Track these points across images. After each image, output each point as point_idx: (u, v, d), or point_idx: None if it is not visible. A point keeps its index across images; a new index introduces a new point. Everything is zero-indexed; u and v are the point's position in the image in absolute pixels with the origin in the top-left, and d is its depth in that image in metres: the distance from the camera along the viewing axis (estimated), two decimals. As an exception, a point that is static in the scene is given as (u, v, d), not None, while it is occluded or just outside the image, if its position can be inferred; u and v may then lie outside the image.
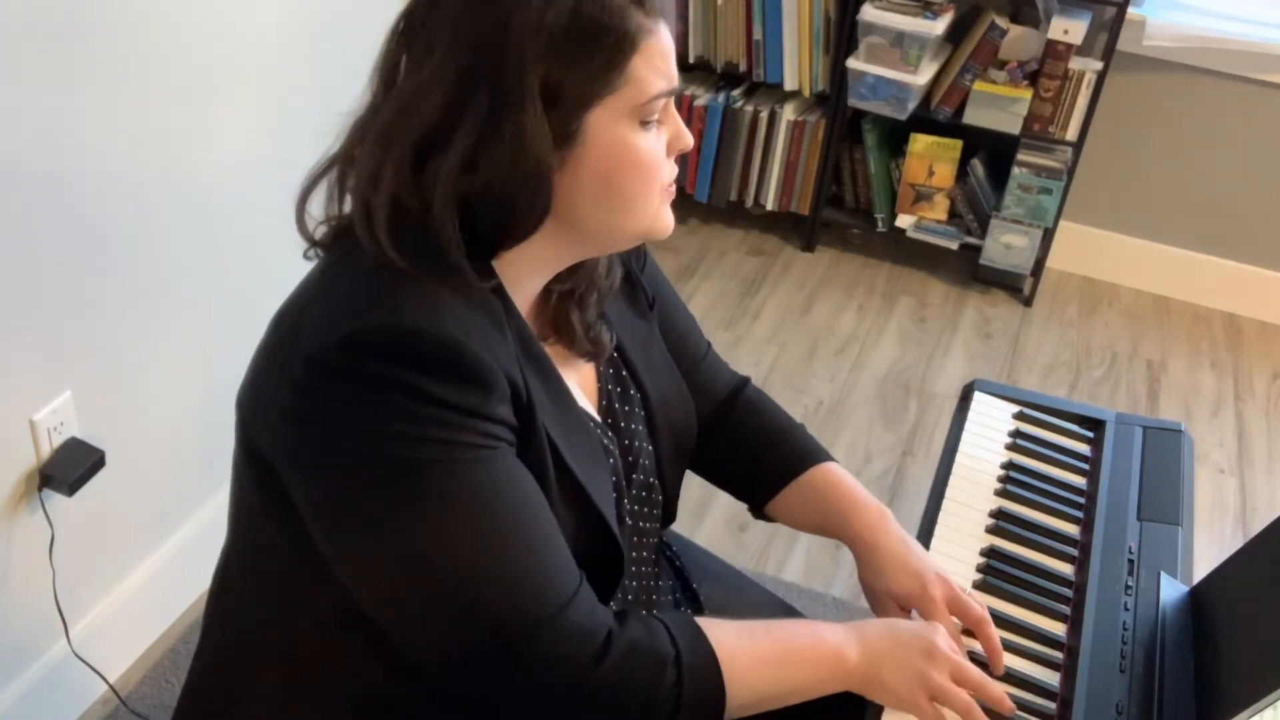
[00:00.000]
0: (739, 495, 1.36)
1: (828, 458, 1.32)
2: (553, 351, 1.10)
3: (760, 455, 1.32)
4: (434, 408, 0.93)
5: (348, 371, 0.93)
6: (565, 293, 1.12)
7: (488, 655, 0.95)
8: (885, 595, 1.21)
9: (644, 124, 1.00)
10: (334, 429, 0.94)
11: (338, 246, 1.04)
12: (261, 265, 1.97)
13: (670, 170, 1.06)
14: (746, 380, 1.37)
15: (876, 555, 1.22)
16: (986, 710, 1.06)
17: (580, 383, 1.15)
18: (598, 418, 1.15)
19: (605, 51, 0.96)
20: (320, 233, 1.07)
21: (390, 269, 0.96)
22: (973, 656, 1.15)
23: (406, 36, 0.99)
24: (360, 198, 0.99)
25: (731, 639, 1.03)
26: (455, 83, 0.95)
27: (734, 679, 1.01)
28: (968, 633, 1.19)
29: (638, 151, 1.00)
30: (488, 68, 0.94)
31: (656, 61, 0.99)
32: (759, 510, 1.35)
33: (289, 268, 2.02)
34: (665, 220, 1.07)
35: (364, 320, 0.94)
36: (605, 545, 1.08)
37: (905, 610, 1.19)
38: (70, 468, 1.64)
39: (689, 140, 1.06)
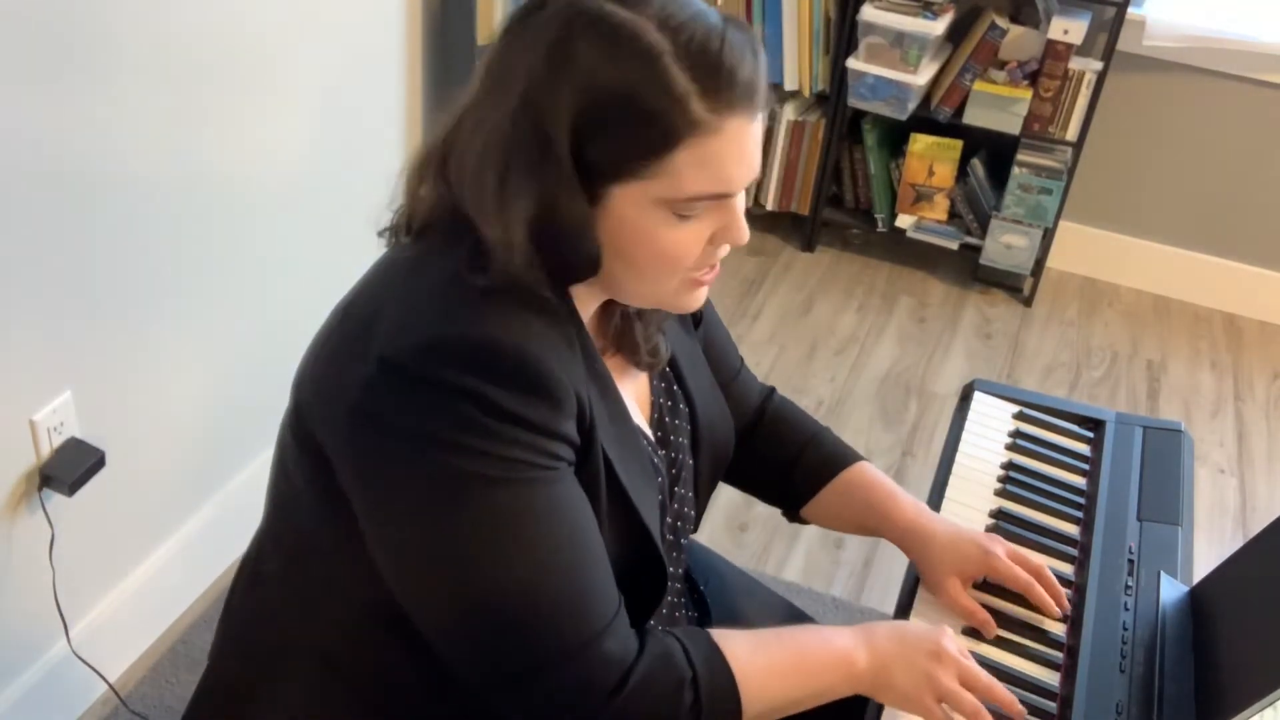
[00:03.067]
0: (773, 501, 1.38)
1: (859, 458, 1.33)
2: (612, 363, 1.09)
3: (794, 461, 1.33)
4: (504, 423, 0.92)
5: (423, 377, 0.92)
6: (631, 310, 1.12)
7: (518, 674, 0.96)
8: (950, 574, 1.22)
9: (678, 215, 0.95)
10: (401, 432, 0.93)
11: (421, 242, 1.03)
12: (262, 265, 1.97)
13: (706, 257, 1.00)
14: (772, 389, 1.38)
15: (933, 540, 1.23)
16: (997, 714, 1.06)
17: (635, 395, 1.15)
18: (649, 433, 1.15)
19: (642, 139, 0.91)
20: (398, 217, 1.05)
21: (470, 277, 0.95)
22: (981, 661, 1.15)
23: (504, 42, 0.97)
24: (432, 212, 1.00)
25: (746, 654, 1.03)
26: (512, 115, 0.93)
27: (749, 694, 1.02)
28: (971, 632, 1.20)
29: (657, 240, 0.96)
30: (537, 107, 0.92)
31: (709, 163, 0.93)
32: (794, 514, 1.36)
33: (290, 267, 2.03)
34: (684, 303, 1.04)
35: (444, 328, 0.93)
36: (649, 563, 1.08)
37: (967, 583, 1.22)
38: (70, 468, 1.64)
39: (740, 239, 0.99)
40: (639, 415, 1.14)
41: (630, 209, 0.95)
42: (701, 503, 1.26)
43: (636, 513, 1.05)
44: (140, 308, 1.73)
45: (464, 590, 0.95)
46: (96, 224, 1.61)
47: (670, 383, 1.20)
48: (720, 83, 0.91)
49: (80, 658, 1.78)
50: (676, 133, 0.91)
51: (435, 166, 1.01)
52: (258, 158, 1.90)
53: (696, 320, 1.27)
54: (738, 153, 0.94)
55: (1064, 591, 1.23)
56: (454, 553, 0.94)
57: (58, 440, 1.64)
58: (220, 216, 1.85)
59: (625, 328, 1.12)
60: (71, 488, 1.64)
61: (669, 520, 1.18)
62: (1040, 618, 1.22)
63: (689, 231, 0.97)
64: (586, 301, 1.06)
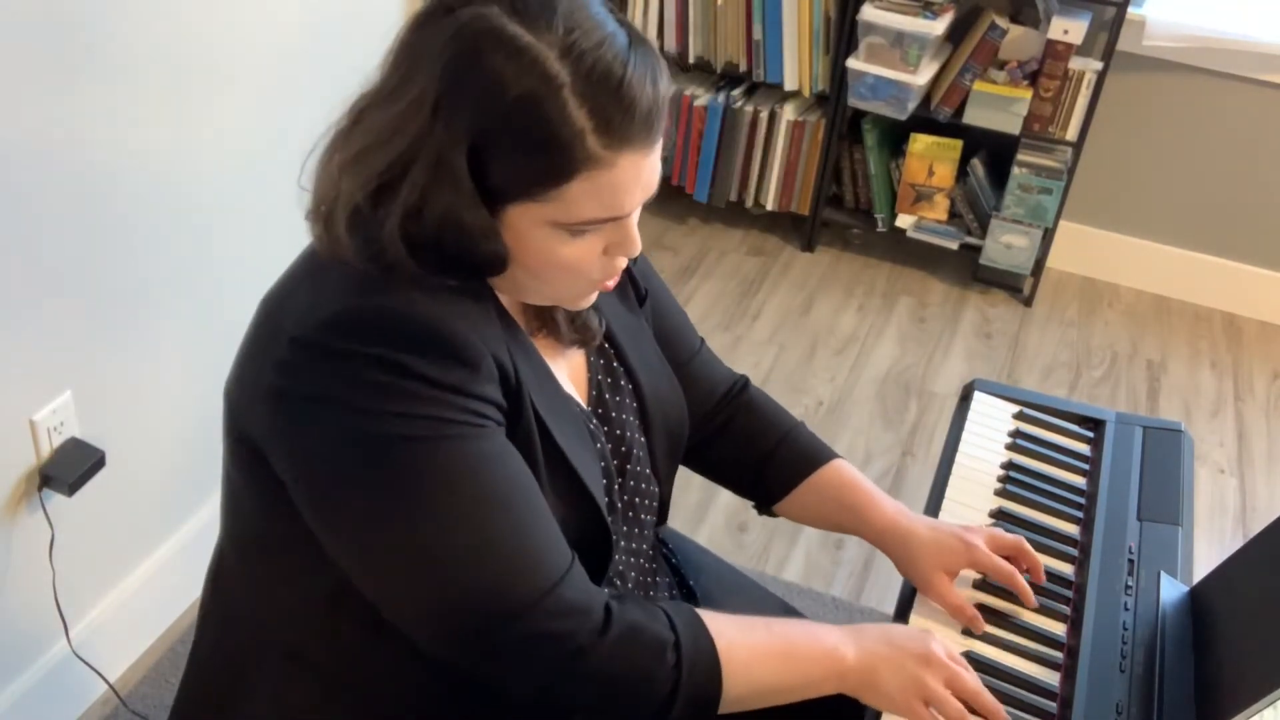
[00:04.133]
0: (745, 494, 1.37)
1: (834, 455, 1.33)
2: (542, 344, 1.10)
3: (768, 457, 1.33)
4: (420, 384, 0.93)
5: (332, 350, 0.93)
6: None
7: (481, 632, 0.96)
8: (934, 571, 1.21)
9: (573, 232, 0.97)
10: (319, 407, 0.94)
11: (321, 230, 1.03)
12: (262, 265, 1.97)
13: (603, 268, 1.02)
14: (746, 381, 1.38)
15: (913, 536, 1.23)
16: None
17: (570, 373, 1.15)
18: (586, 407, 1.15)
19: (535, 168, 0.92)
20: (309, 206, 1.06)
21: (373, 258, 0.95)
22: (973, 660, 1.15)
23: (408, 39, 0.97)
24: (328, 203, 0.99)
25: (731, 631, 1.03)
26: (410, 124, 0.93)
27: (732, 670, 1.01)
28: (969, 630, 1.20)
29: (554, 255, 0.98)
30: (434, 118, 0.92)
31: (603, 192, 0.94)
32: (766, 508, 1.35)
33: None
34: (581, 305, 1.06)
35: (349, 301, 0.95)
36: (595, 527, 1.09)
37: (953, 577, 1.22)
38: (70, 468, 1.64)
39: (632, 251, 1.01)
40: (573, 390, 1.13)
41: (524, 226, 0.96)
42: (665, 486, 1.25)
43: (575, 472, 1.05)
44: (140, 308, 1.73)
45: (408, 554, 0.95)
46: (97, 224, 1.61)
47: (610, 359, 1.19)
48: (617, 119, 0.92)
49: (80, 658, 1.78)
50: (572, 166, 0.92)
51: (337, 156, 1.01)
52: (259, 159, 1.90)
53: (641, 297, 1.26)
54: (631, 183, 0.95)
55: (1041, 561, 1.23)
56: (390, 518, 0.94)
57: (58, 440, 1.64)
58: (220, 216, 1.85)
59: (543, 309, 1.12)
60: (71, 488, 1.64)
61: (623, 495, 1.17)
62: (1041, 618, 1.21)
63: (583, 246, 0.98)
64: (501, 288, 1.06)
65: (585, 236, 0.98)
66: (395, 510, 0.94)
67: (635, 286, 1.25)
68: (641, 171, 0.96)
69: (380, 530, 0.95)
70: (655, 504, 1.24)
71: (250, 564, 1.10)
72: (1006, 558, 1.22)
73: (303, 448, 0.97)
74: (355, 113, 0.99)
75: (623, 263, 1.04)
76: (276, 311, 1.00)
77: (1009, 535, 1.23)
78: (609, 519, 1.10)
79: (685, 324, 1.33)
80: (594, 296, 1.07)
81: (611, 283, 1.05)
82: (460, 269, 0.98)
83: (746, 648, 1.03)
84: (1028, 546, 1.23)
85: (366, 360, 0.93)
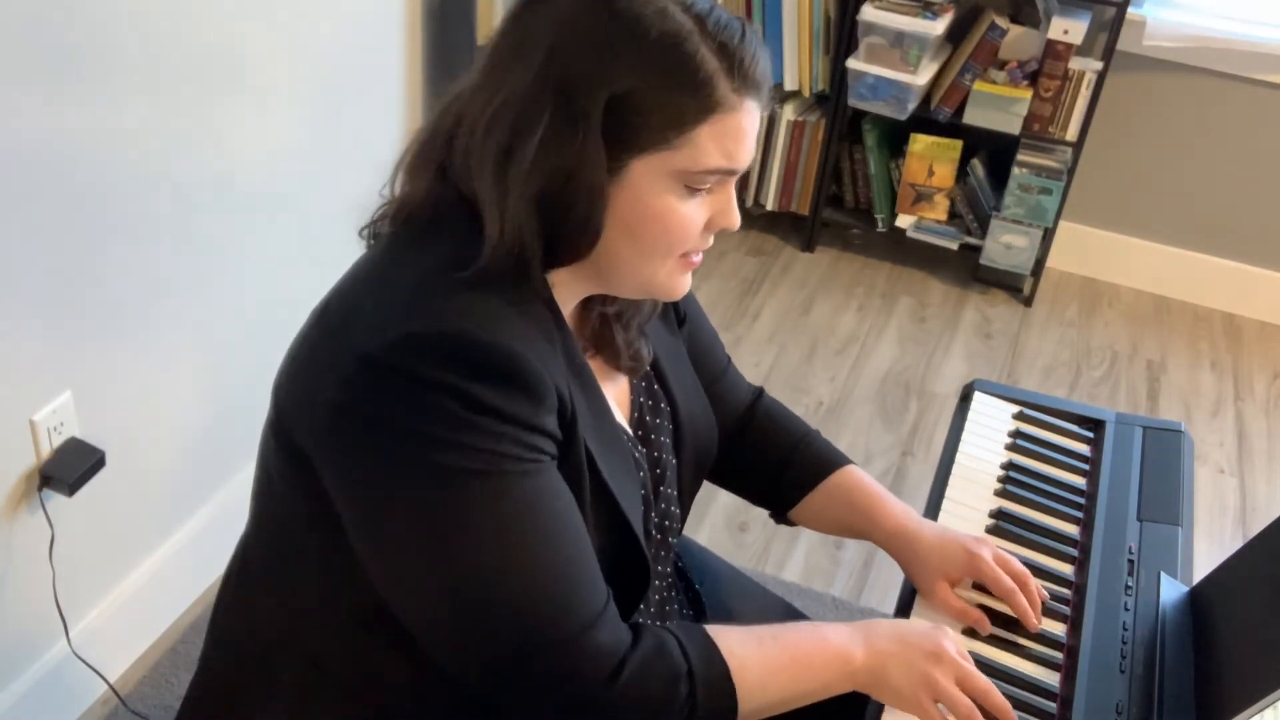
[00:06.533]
0: (761, 503, 1.37)
1: (847, 461, 1.33)
2: (593, 364, 1.10)
3: (782, 464, 1.33)
4: (484, 416, 0.92)
5: (400, 372, 0.92)
6: (610, 313, 1.12)
7: (508, 667, 0.96)
8: (937, 577, 1.22)
9: (689, 189, 0.99)
10: (381, 429, 0.93)
11: (404, 235, 1.03)
12: (262, 265, 1.97)
13: (701, 241, 1.04)
14: (761, 390, 1.38)
15: (919, 542, 1.23)
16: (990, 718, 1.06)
17: (615, 395, 1.15)
18: (630, 431, 1.15)
19: (675, 108, 0.95)
20: (384, 210, 1.05)
21: (451, 270, 0.95)
22: (980, 662, 1.15)
23: (514, 22, 0.99)
24: (455, 189, 1.00)
25: (742, 650, 1.03)
26: (534, 82, 0.95)
27: (745, 690, 1.02)
28: (970, 631, 1.20)
29: (669, 212, 0.99)
30: (565, 77, 0.94)
31: (726, 139, 0.97)
32: (781, 516, 1.36)
33: (290, 267, 2.02)
34: (675, 286, 1.06)
35: (421, 322, 0.93)
36: (633, 558, 1.09)
37: (956, 584, 1.22)
38: (70, 468, 1.64)
39: (734, 221, 1.04)
40: (619, 414, 1.14)
41: (645, 180, 0.97)
42: (686, 502, 1.25)
43: (618, 506, 1.05)
44: (140, 308, 1.73)
45: (448, 583, 0.95)
46: (97, 224, 1.61)
47: (651, 382, 1.20)
48: (744, 63, 0.96)
49: (80, 658, 1.78)
50: (708, 106, 0.95)
51: (436, 153, 1.01)
52: (257, 158, 1.90)
53: (680, 318, 1.26)
54: (750, 132, 0.99)
55: (1046, 596, 1.22)
56: (437, 545, 0.94)
57: (58, 440, 1.64)
58: (219, 216, 1.85)
59: (605, 333, 1.12)
60: (71, 488, 1.64)
61: (655, 519, 1.17)
62: (1041, 618, 1.21)
63: (693, 208, 1.00)
64: (568, 298, 1.06)
65: (698, 197, 1.00)
66: (442, 540, 0.94)
67: (675, 307, 1.25)
68: (755, 125, 1.00)
69: (424, 557, 0.95)
70: (679, 525, 1.24)
71: (280, 569, 1.09)
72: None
73: (357, 466, 0.96)
74: (462, 99, 1.00)
75: (709, 243, 1.05)
76: (342, 321, 0.98)
77: (1017, 563, 1.23)
78: (647, 549, 1.10)
79: (716, 341, 1.34)
80: (688, 281, 1.07)
81: (698, 258, 1.06)
82: (551, 248, 0.98)
83: (758, 664, 1.03)
84: (1033, 582, 1.21)
85: (435, 387, 0.92)
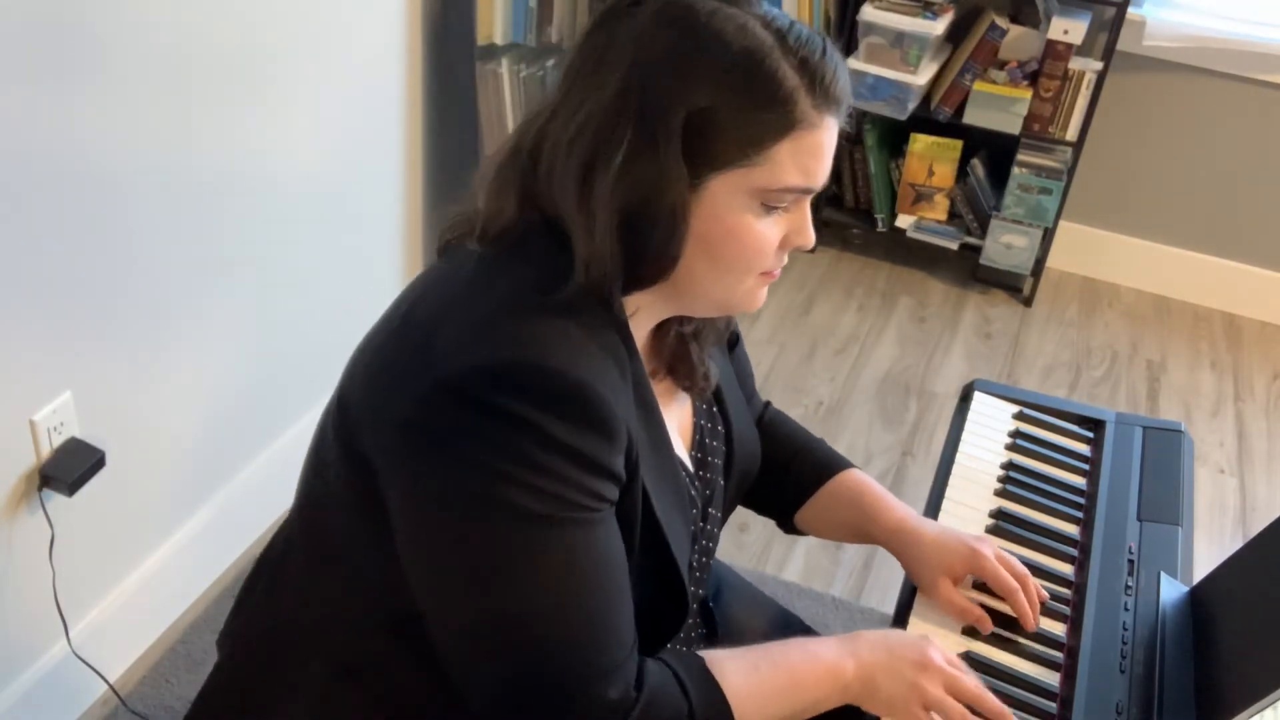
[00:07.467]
0: (767, 512, 1.38)
1: (848, 465, 1.33)
2: (659, 388, 1.09)
3: (786, 468, 1.34)
4: (555, 455, 0.91)
5: (478, 402, 0.91)
6: (688, 333, 1.12)
7: (513, 700, 0.96)
8: (940, 573, 1.22)
9: (766, 207, 0.98)
10: (451, 454, 0.92)
11: (491, 253, 1.01)
12: (262, 266, 1.97)
13: (776, 260, 1.03)
14: (767, 403, 1.39)
15: (921, 540, 1.23)
16: None
17: (677, 419, 1.15)
18: (688, 462, 1.15)
19: (755, 125, 0.94)
20: (472, 224, 1.04)
21: (536, 295, 0.94)
22: (974, 662, 1.15)
23: (592, 39, 0.97)
24: (541, 211, 0.99)
25: (738, 679, 1.03)
26: (614, 100, 0.94)
27: (744, 718, 1.02)
28: (970, 631, 1.20)
29: (746, 230, 0.98)
30: (645, 95, 0.93)
31: (805, 156, 0.96)
32: (788, 523, 1.36)
33: (290, 268, 2.02)
34: (754, 301, 1.05)
35: (502, 350, 0.92)
36: (673, 596, 1.09)
37: (959, 583, 1.22)
38: (70, 468, 1.64)
39: (809, 240, 1.03)
40: (679, 441, 1.13)
41: (723, 198, 0.96)
42: (723, 522, 1.26)
43: (668, 547, 1.05)
44: (140, 308, 1.73)
45: (480, 604, 0.94)
46: (97, 225, 1.61)
47: (711, 405, 1.20)
48: (824, 79, 0.95)
49: (80, 658, 1.78)
50: (787, 122, 0.94)
51: (518, 171, 1.00)
52: (258, 160, 1.90)
53: (733, 341, 1.27)
54: (828, 150, 0.98)
55: (1046, 597, 1.22)
56: (483, 577, 0.93)
57: (58, 440, 1.64)
58: (219, 218, 1.85)
59: (682, 350, 1.12)
60: (71, 488, 1.64)
61: (697, 554, 1.17)
62: (1041, 618, 1.21)
63: (770, 227, 0.99)
64: (645, 321, 1.06)
65: (774, 215, 0.99)
66: (490, 576, 0.93)
67: (730, 331, 1.26)
68: (834, 143, 0.99)
69: (468, 589, 0.95)
70: (715, 545, 1.24)
71: (322, 571, 1.08)
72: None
73: (421, 487, 0.95)
74: (544, 118, 0.99)
75: (780, 262, 1.04)
76: (424, 337, 0.97)
77: (1018, 564, 1.22)
78: (688, 587, 1.09)
79: (749, 361, 1.35)
80: (764, 295, 1.06)
81: (777, 272, 1.05)
82: (631, 270, 0.97)
83: (755, 690, 1.03)
84: (1033, 583, 1.21)
85: (510, 419, 0.91)
